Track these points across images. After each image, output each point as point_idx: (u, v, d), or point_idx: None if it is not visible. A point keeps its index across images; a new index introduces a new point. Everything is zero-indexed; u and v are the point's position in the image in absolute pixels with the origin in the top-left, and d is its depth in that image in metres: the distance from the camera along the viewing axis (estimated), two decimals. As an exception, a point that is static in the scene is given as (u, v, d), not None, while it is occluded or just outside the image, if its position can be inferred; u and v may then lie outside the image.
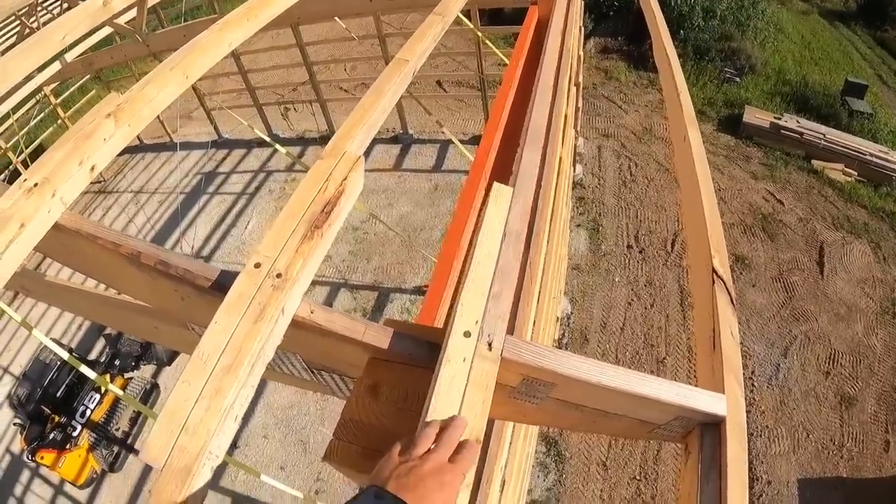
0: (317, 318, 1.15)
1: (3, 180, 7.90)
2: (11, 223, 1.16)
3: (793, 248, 7.36)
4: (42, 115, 8.88)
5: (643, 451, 5.45)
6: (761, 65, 10.66)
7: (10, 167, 8.60)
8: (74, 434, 5.58)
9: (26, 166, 8.27)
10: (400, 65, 1.87)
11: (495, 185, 1.33)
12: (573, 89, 4.04)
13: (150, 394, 6.16)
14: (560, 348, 6.09)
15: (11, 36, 5.91)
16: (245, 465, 2.55)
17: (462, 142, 6.55)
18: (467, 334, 1.01)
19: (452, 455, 0.81)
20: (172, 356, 6.55)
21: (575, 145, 7.50)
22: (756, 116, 9.15)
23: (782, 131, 8.78)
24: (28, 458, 5.56)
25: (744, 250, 7.27)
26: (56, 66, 6.65)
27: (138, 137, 9.60)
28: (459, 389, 0.93)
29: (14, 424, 6.05)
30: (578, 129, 7.82)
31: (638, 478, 5.30)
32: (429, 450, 0.81)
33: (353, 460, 1.06)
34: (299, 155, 9.19)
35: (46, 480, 5.87)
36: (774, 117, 9.04)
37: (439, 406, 0.91)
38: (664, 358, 6.15)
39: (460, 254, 1.96)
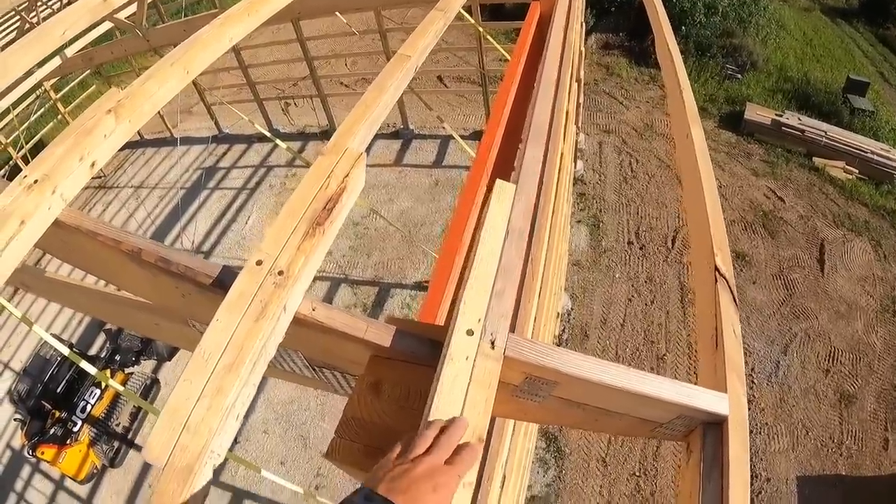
0: (318, 315, 1.15)
1: (4, 175, 7.88)
2: (11, 220, 1.15)
3: (793, 245, 7.35)
4: (42, 110, 8.86)
5: (643, 448, 5.46)
6: (763, 61, 10.63)
7: (11, 162, 8.58)
8: (75, 429, 5.59)
9: (27, 161, 8.24)
10: (402, 60, 1.86)
11: (498, 182, 1.32)
12: (575, 85, 4.02)
13: (151, 389, 6.18)
14: (560, 344, 6.11)
15: (11, 31, 5.88)
16: (245, 461, 2.55)
17: (463, 137, 6.54)
18: (470, 332, 1.01)
19: (451, 457, 0.81)
20: (173, 351, 6.55)
21: (576, 141, 7.48)
22: (757, 113, 9.13)
23: (784, 128, 8.76)
24: (29, 453, 5.58)
25: (744, 247, 7.27)
26: (56, 61, 6.62)
27: (138, 132, 9.56)
28: (462, 388, 0.93)
29: (15, 420, 6.06)
30: (579, 125, 7.81)
31: (637, 474, 5.31)
32: (426, 451, 0.81)
33: (355, 458, 1.06)
34: (300, 150, 9.17)
35: (47, 476, 5.88)
36: (776, 114, 9.02)
37: (442, 405, 0.90)
38: (664, 354, 6.15)
39: (462, 250, 1.96)
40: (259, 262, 1.08)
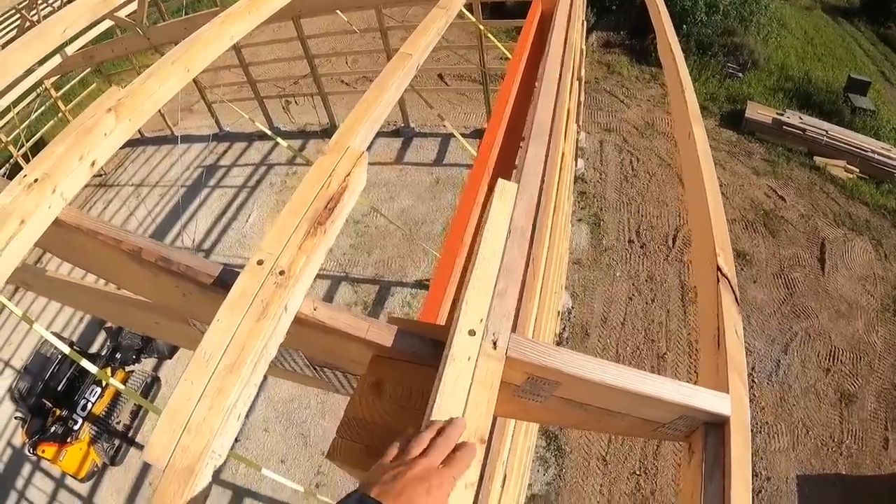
0: (320, 315, 1.14)
1: (4, 174, 7.88)
2: (12, 219, 1.15)
3: (794, 244, 7.35)
4: (43, 108, 8.85)
5: (643, 447, 5.46)
6: (764, 60, 10.61)
7: (11, 160, 8.58)
8: (75, 427, 5.59)
9: (27, 160, 8.24)
10: (403, 59, 1.85)
11: (500, 181, 1.32)
12: (576, 84, 4.01)
13: (151, 387, 6.18)
14: (561, 343, 6.11)
15: (12, 29, 5.87)
16: (246, 459, 2.56)
17: (463, 135, 6.51)
18: (472, 332, 1.00)
19: (447, 458, 0.81)
20: (173, 350, 6.55)
21: (577, 140, 7.47)
22: (758, 112, 9.12)
23: (784, 127, 8.75)
24: (29, 451, 5.58)
25: (745, 246, 7.26)
26: (57, 59, 6.60)
27: (139, 130, 9.56)
28: (464, 388, 0.93)
29: (15, 418, 6.06)
30: (580, 123, 7.79)
31: (638, 473, 5.31)
32: (422, 453, 0.80)
33: (357, 458, 1.06)
34: (300, 148, 9.17)
35: (48, 474, 5.89)
36: (777, 113, 9.01)
37: (444, 405, 0.90)
38: (665, 353, 6.15)
39: (463, 249, 1.95)
40: (260, 262, 1.08)
